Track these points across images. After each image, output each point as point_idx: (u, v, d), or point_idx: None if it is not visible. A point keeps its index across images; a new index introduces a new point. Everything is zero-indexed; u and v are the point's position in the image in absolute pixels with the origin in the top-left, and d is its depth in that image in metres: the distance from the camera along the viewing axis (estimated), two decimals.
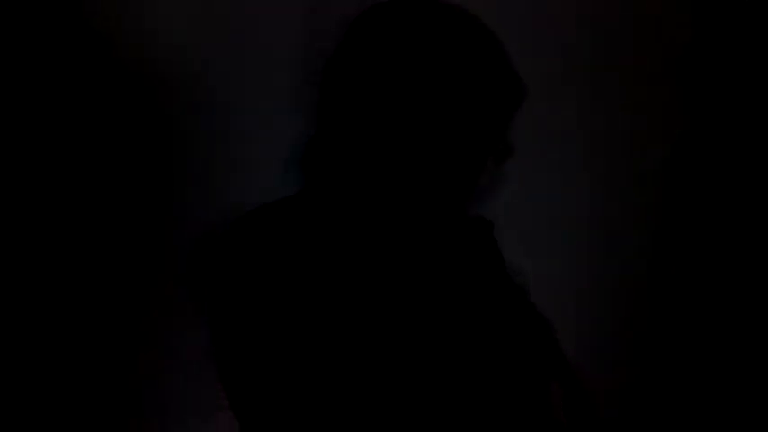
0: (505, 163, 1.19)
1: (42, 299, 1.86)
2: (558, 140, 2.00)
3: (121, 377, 1.90)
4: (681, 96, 2.08)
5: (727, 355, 2.10)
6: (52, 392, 1.88)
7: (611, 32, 2.03)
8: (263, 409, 1.14)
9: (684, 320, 2.11)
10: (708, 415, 2.11)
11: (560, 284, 1.94)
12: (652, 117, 2.07)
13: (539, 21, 1.93)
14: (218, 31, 1.86)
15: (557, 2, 1.96)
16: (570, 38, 1.89)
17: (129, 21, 1.84)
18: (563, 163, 2.02)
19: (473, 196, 1.19)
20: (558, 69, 1.95)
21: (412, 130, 1.12)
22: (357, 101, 1.13)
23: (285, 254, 1.13)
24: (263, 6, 1.86)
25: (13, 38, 1.79)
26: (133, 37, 1.85)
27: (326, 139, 1.16)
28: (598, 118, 1.99)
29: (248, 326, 1.13)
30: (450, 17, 1.15)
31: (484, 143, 1.14)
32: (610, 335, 2.06)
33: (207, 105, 1.86)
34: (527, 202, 1.96)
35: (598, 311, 2.01)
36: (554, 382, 1.25)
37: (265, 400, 1.13)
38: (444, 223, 1.19)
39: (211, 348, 1.19)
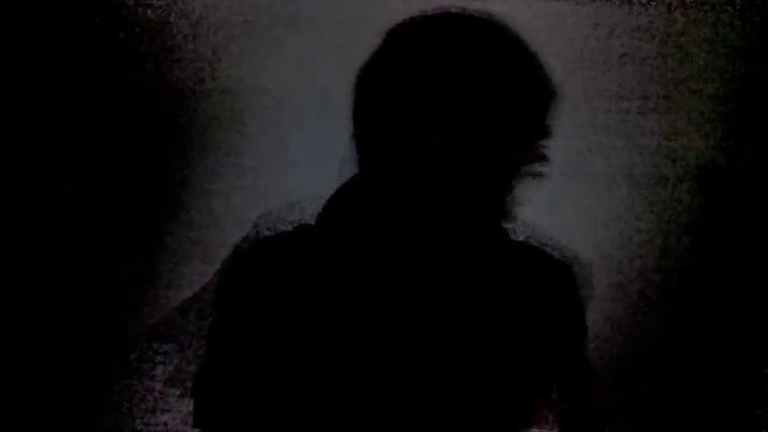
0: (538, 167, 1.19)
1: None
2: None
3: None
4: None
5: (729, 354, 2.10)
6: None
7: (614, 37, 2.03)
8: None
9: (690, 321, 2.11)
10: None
11: None
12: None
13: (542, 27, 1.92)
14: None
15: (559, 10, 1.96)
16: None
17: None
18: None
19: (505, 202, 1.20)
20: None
21: (446, 135, 1.13)
22: (393, 108, 1.14)
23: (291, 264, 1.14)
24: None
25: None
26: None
27: (360, 149, 1.17)
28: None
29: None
30: (478, 26, 1.16)
31: (517, 145, 1.15)
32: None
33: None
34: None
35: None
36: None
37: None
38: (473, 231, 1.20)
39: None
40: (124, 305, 1.93)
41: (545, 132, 1.15)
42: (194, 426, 1.18)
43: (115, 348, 1.90)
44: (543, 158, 1.15)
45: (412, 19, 1.18)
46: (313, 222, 1.19)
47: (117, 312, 1.92)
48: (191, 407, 1.21)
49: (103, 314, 1.91)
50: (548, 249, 1.30)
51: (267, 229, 1.19)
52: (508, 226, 1.23)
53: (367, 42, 1.29)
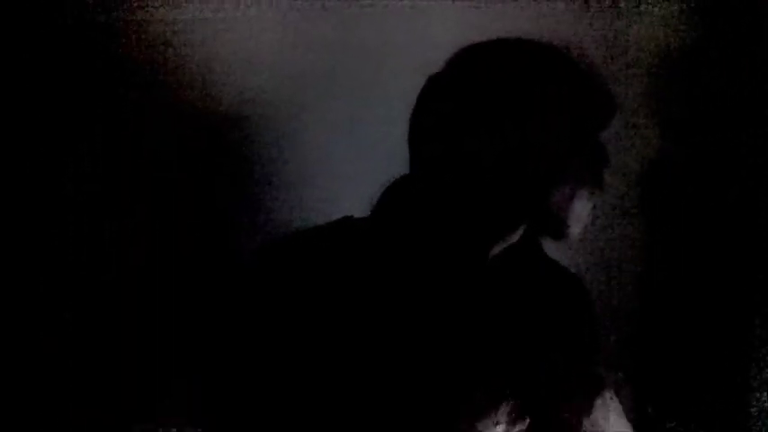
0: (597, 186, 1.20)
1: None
2: None
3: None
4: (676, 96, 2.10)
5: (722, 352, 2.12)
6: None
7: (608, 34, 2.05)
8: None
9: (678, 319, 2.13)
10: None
11: None
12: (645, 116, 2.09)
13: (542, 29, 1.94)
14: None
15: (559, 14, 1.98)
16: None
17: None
18: None
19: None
20: None
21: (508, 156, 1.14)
22: (454, 128, 1.15)
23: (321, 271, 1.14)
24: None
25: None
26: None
27: (418, 166, 1.18)
28: None
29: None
30: (539, 51, 1.19)
31: (573, 165, 1.16)
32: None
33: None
34: None
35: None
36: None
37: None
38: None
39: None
40: (125, 306, 1.92)
41: (602, 159, 1.17)
42: (203, 408, 1.18)
43: (115, 348, 1.89)
44: (598, 184, 1.16)
45: (480, 43, 1.20)
46: (353, 215, 1.20)
47: (117, 313, 1.92)
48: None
49: (103, 314, 1.91)
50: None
51: (302, 219, 1.19)
52: (561, 241, 1.24)
53: (439, 45, 1.30)
